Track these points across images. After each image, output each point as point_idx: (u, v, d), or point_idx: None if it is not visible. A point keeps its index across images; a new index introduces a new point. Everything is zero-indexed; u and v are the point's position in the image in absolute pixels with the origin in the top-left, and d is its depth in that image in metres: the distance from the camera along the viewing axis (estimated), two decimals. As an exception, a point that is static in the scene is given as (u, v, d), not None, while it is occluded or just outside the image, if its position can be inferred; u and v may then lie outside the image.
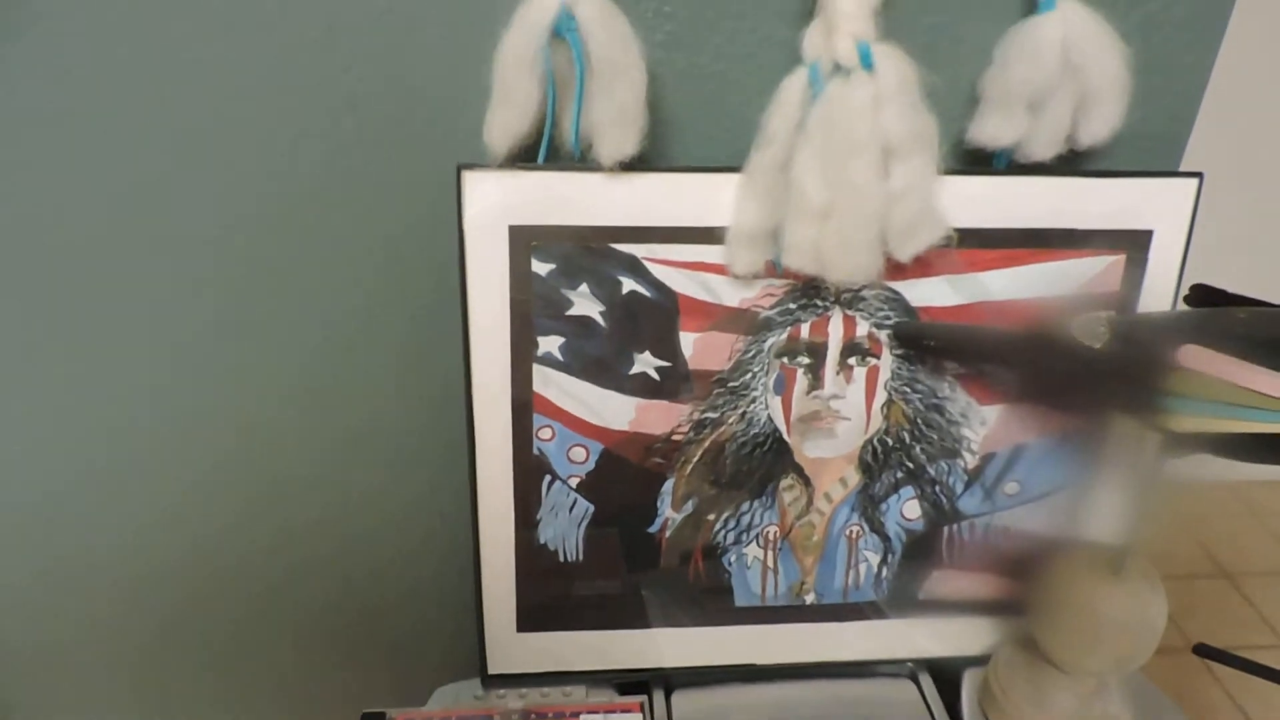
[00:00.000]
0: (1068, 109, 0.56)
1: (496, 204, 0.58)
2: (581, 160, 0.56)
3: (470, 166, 0.57)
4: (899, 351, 0.63)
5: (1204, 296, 0.56)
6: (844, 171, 0.53)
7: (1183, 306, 0.58)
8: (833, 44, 0.53)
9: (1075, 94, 0.56)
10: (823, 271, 0.56)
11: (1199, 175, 0.61)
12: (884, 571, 0.69)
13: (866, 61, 0.52)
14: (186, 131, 0.58)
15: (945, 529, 0.68)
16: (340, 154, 0.59)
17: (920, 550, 0.69)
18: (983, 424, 0.66)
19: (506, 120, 0.54)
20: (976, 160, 0.61)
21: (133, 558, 0.72)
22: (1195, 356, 0.49)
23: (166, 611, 0.74)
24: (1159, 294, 0.63)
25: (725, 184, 0.57)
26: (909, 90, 0.53)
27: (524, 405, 0.62)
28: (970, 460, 0.67)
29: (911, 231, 0.56)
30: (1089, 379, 0.55)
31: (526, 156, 0.57)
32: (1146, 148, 0.62)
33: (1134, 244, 0.62)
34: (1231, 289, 0.58)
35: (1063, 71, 0.55)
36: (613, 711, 0.64)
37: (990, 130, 0.57)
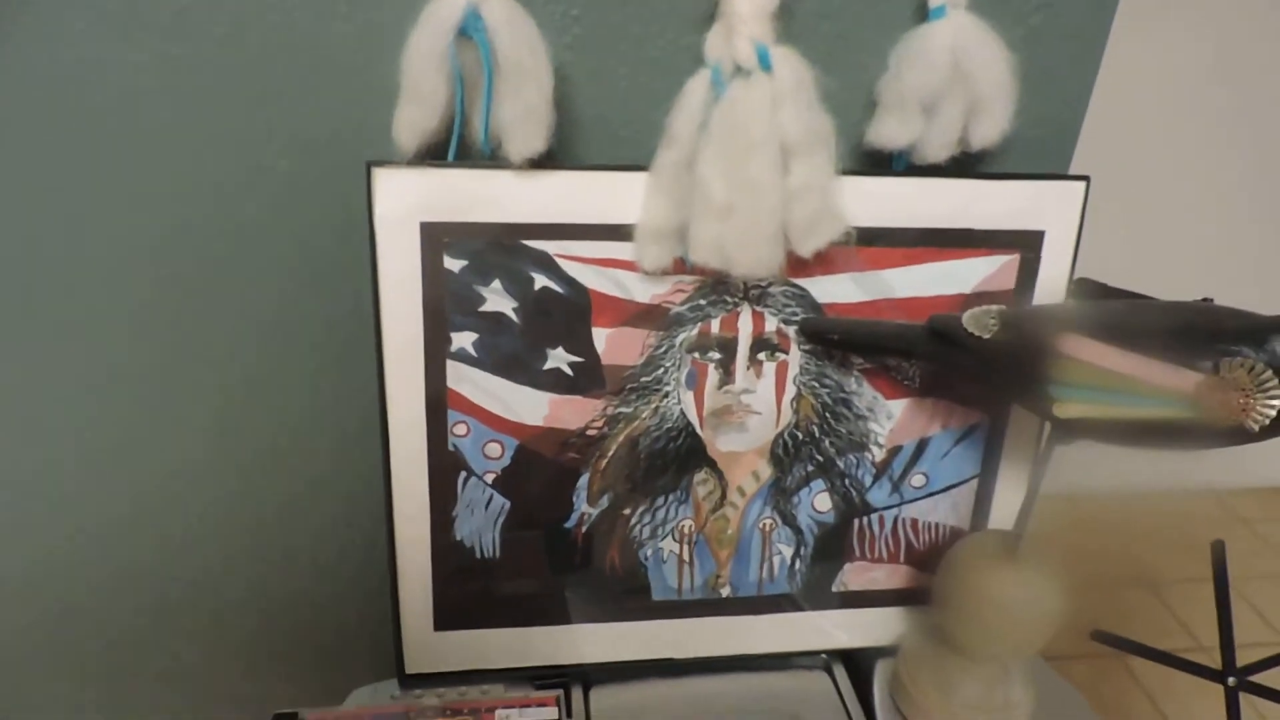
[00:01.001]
0: (959, 113, 0.59)
1: (408, 201, 0.58)
2: (492, 158, 0.57)
3: (380, 163, 0.57)
4: (806, 346, 0.65)
5: (1088, 290, 0.59)
6: (744, 169, 0.55)
7: (1070, 300, 0.61)
8: (732, 46, 0.54)
9: (965, 99, 0.59)
10: (727, 266, 0.57)
11: (1086, 178, 0.64)
12: (797, 564, 0.71)
13: (765, 63, 0.54)
14: (87, 134, 0.58)
15: (855, 521, 0.70)
16: (250, 153, 0.59)
17: (832, 542, 0.71)
18: (889, 418, 0.68)
19: (414, 118, 0.55)
20: (877, 163, 0.63)
21: (54, 575, 0.70)
22: (1076, 345, 0.51)
23: (76, 613, 0.73)
24: (1051, 290, 0.65)
25: (634, 182, 0.59)
26: (805, 90, 0.55)
27: (438, 401, 0.62)
28: (878, 453, 0.69)
29: (811, 228, 0.58)
30: (980, 369, 0.57)
31: (437, 154, 0.58)
32: (1037, 152, 0.65)
33: (1027, 244, 0.65)
34: (1115, 284, 0.61)
35: (953, 77, 0.58)
36: (529, 706, 0.64)
37: (886, 132, 0.60)
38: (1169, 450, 0.54)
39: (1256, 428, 0.49)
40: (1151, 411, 0.51)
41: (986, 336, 0.56)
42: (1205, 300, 0.55)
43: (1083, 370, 0.52)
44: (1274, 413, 0.48)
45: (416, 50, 0.54)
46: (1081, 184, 0.64)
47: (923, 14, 0.59)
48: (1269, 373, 0.48)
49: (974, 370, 0.58)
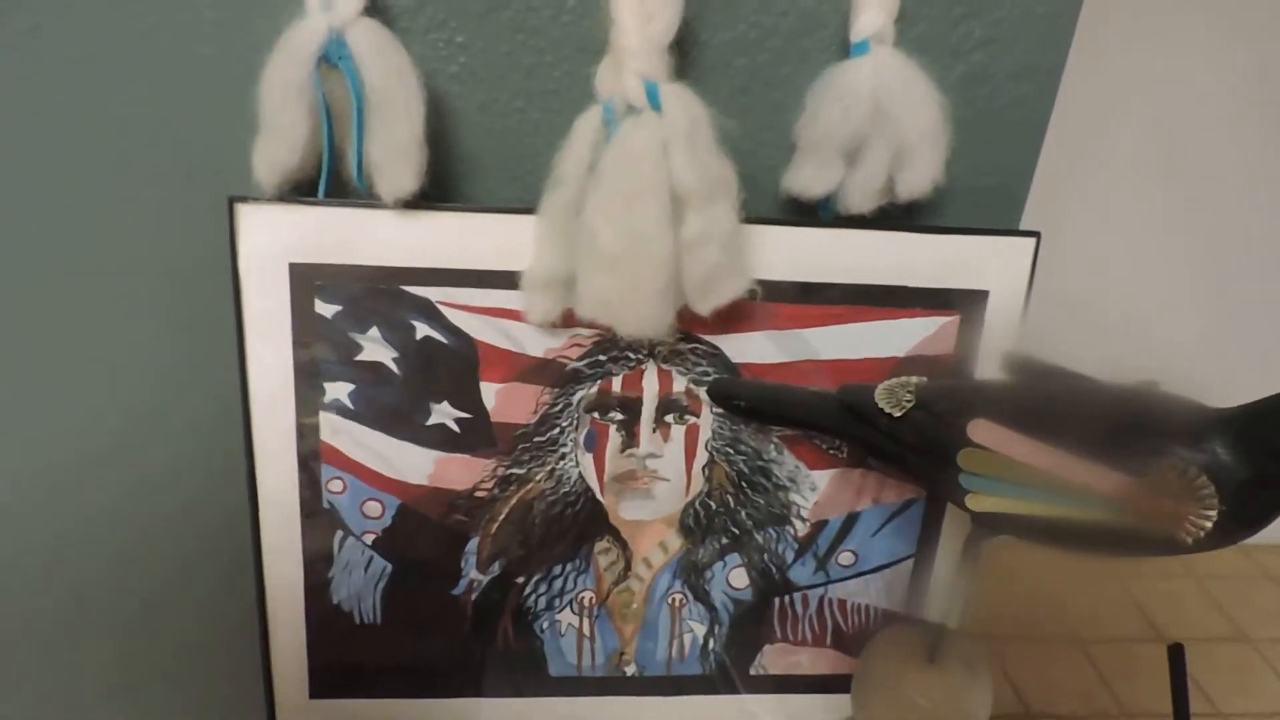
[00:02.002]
0: (884, 160, 0.53)
1: (275, 240, 0.54)
2: (369, 195, 0.52)
3: (243, 199, 0.53)
4: (718, 410, 0.59)
5: (1019, 366, 0.52)
6: (630, 217, 0.49)
7: (997, 377, 0.54)
8: (621, 82, 0.49)
9: (890, 144, 0.52)
10: (613, 323, 0.52)
11: (1036, 234, 0.58)
12: (711, 643, 0.65)
13: (654, 102, 0.49)
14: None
15: (776, 600, 0.64)
16: (105, 184, 0.54)
17: (750, 622, 0.64)
18: (813, 489, 0.62)
19: (273, 154, 0.50)
20: (803, 211, 0.57)
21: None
22: (989, 432, 0.45)
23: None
24: (996, 357, 0.59)
25: (522, 225, 0.54)
26: (700, 133, 0.49)
27: (311, 455, 0.58)
28: (801, 527, 0.62)
29: (709, 284, 0.52)
30: (892, 449, 0.51)
31: (310, 190, 0.53)
32: (983, 203, 0.59)
33: (968, 305, 0.59)
34: (1069, 350, 0.54)
35: (875, 120, 0.52)
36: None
37: (804, 179, 0.54)
38: (1098, 556, 0.47)
39: (1190, 541, 0.42)
40: (1073, 513, 0.44)
41: (898, 414, 0.50)
42: (1150, 383, 0.48)
43: (995, 462, 0.45)
44: (1210, 525, 0.41)
45: (274, 80, 0.49)
46: (1030, 240, 0.58)
47: (845, 50, 0.53)
48: (1203, 478, 0.41)
49: (885, 450, 0.51)
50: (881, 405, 0.50)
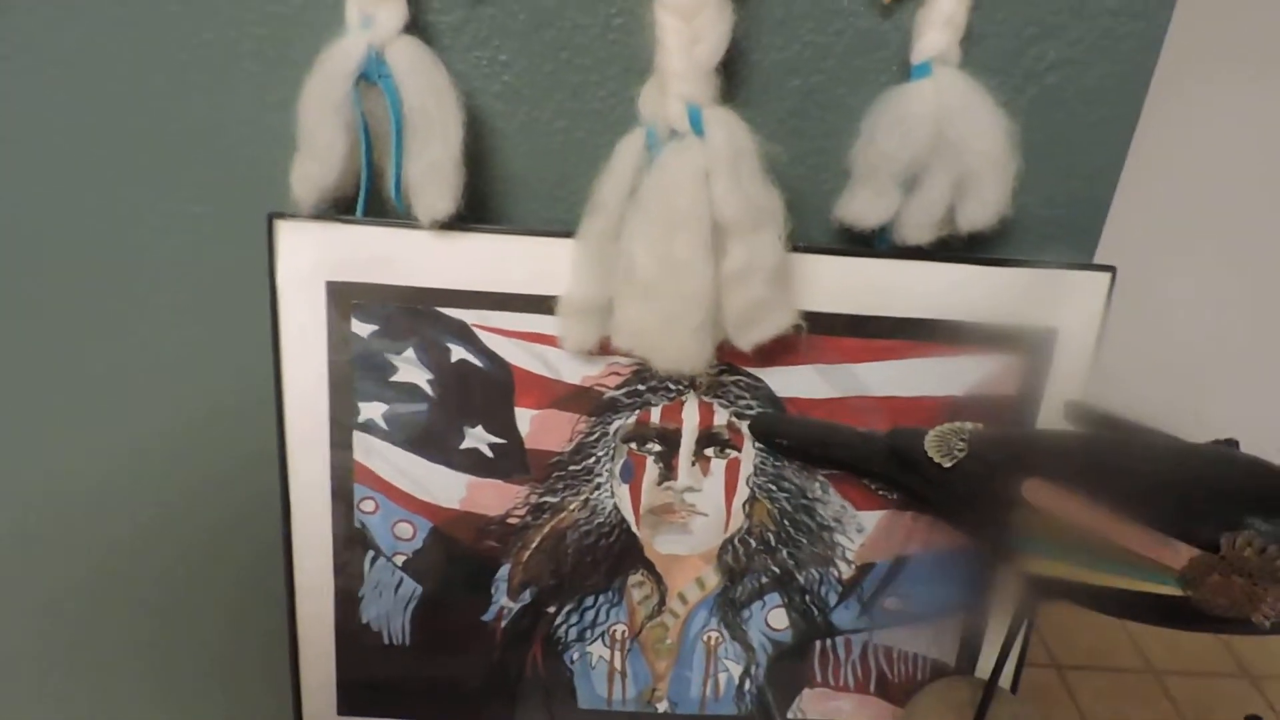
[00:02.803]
0: (945, 189, 0.50)
1: (313, 258, 0.53)
2: (406, 215, 0.51)
3: (283, 215, 0.52)
4: (761, 445, 0.56)
5: (1081, 415, 0.48)
6: (668, 246, 0.47)
7: (1058, 428, 0.50)
8: (664, 106, 0.47)
9: (952, 173, 0.49)
10: (648, 355, 0.50)
11: (1111, 269, 0.54)
12: (747, 684, 0.62)
13: (697, 126, 0.46)
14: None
15: (817, 643, 0.61)
16: (147, 198, 0.55)
17: (789, 664, 0.62)
18: (859, 531, 0.59)
19: (310, 171, 0.50)
20: (856, 239, 0.54)
21: None
22: (1040, 492, 0.42)
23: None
24: (1060, 405, 0.55)
25: (561, 249, 0.52)
26: (745, 160, 0.47)
27: (344, 474, 0.57)
28: (845, 569, 0.59)
29: (751, 318, 0.49)
30: (941, 501, 0.48)
31: (349, 208, 0.52)
32: (1053, 235, 0.55)
33: (1034, 343, 0.55)
34: (1140, 398, 0.50)
35: (936, 147, 0.48)
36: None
37: (858, 208, 0.51)
38: (1166, 628, 0.43)
39: (1268, 624, 0.38)
40: (1136, 585, 0.40)
41: (948, 464, 0.46)
42: (1227, 443, 0.44)
43: (1051, 525, 0.42)
44: (1289, 609, 0.37)
45: (312, 98, 0.49)
46: (1105, 275, 0.54)
47: (906, 71, 0.50)
48: (1285, 559, 0.37)
49: (934, 501, 0.48)
50: (931, 454, 0.47)
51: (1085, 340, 0.55)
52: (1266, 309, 0.61)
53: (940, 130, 0.48)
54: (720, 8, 0.46)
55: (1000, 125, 0.48)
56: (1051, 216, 0.54)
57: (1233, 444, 0.43)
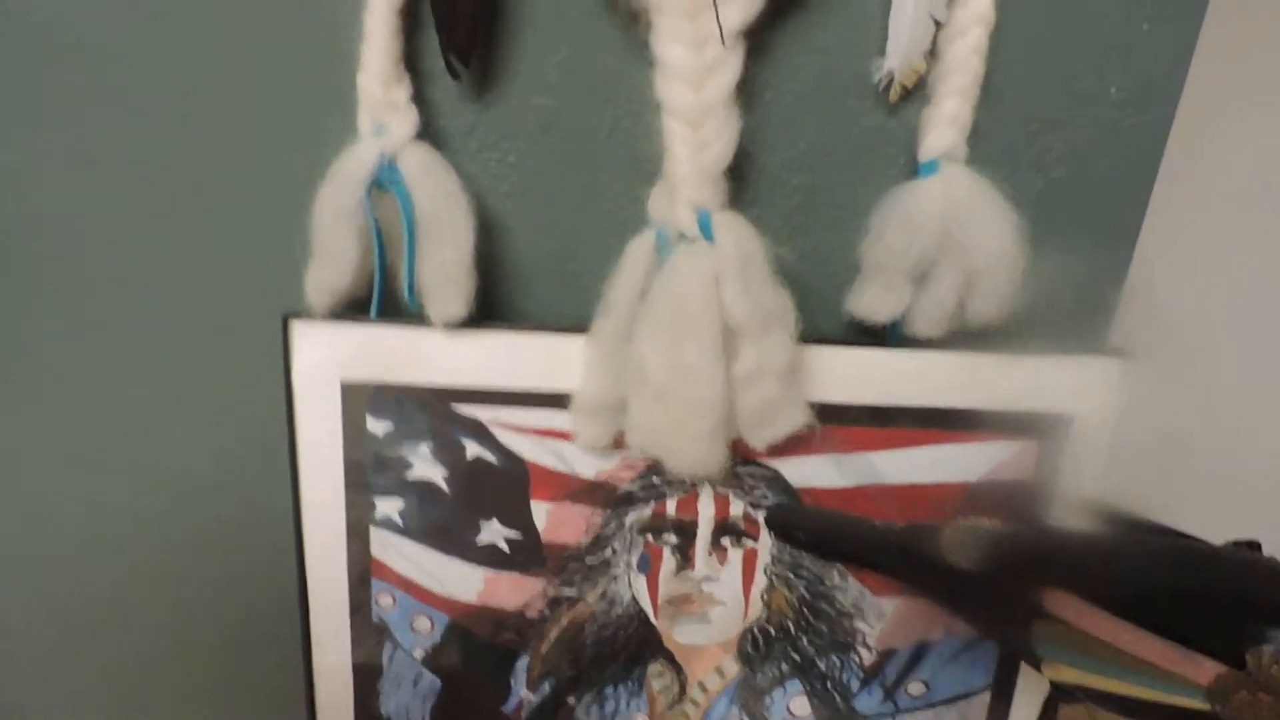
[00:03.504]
0: (954, 285, 0.50)
1: (328, 358, 0.53)
2: (419, 315, 0.52)
3: (299, 315, 0.53)
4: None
5: (1099, 514, 0.48)
6: (679, 351, 0.47)
7: (1077, 530, 0.50)
8: (673, 211, 0.47)
9: (961, 269, 0.49)
10: (662, 456, 0.50)
11: (1122, 354, 0.53)
12: (770, 772, 0.61)
13: (706, 231, 0.47)
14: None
15: (840, 730, 0.60)
16: (166, 298, 0.55)
17: (812, 751, 0.61)
18: (879, 617, 0.58)
19: (325, 277, 0.50)
20: (868, 330, 0.54)
21: None
22: (1060, 604, 0.41)
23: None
24: (1081, 488, 0.54)
25: (573, 344, 0.52)
26: (754, 264, 0.47)
27: (361, 570, 0.57)
28: (866, 656, 0.59)
29: (764, 418, 0.49)
30: (960, 603, 0.47)
31: (363, 308, 0.53)
32: (1065, 324, 0.54)
33: (1049, 429, 0.54)
34: (1160, 488, 0.49)
35: (944, 244, 0.49)
36: None
37: (869, 303, 0.51)
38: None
39: (1299, 742, 0.37)
40: (1161, 697, 0.40)
41: (967, 567, 0.46)
42: (1248, 545, 0.43)
43: (1074, 635, 0.41)
44: (1320, 727, 0.36)
45: (326, 204, 0.49)
46: (1117, 361, 0.53)
47: (913, 165, 0.50)
48: (1315, 674, 0.36)
49: (954, 603, 0.48)
50: (949, 555, 0.46)
51: (1100, 425, 0.54)
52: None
53: (948, 228, 0.48)
54: (727, 114, 0.46)
55: (1008, 222, 0.48)
56: (1062, 304, 0.54)
57: (1255, 546, 0.43)
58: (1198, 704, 0.39)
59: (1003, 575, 0.45)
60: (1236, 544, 0.43)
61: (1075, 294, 0.54)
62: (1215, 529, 0.45)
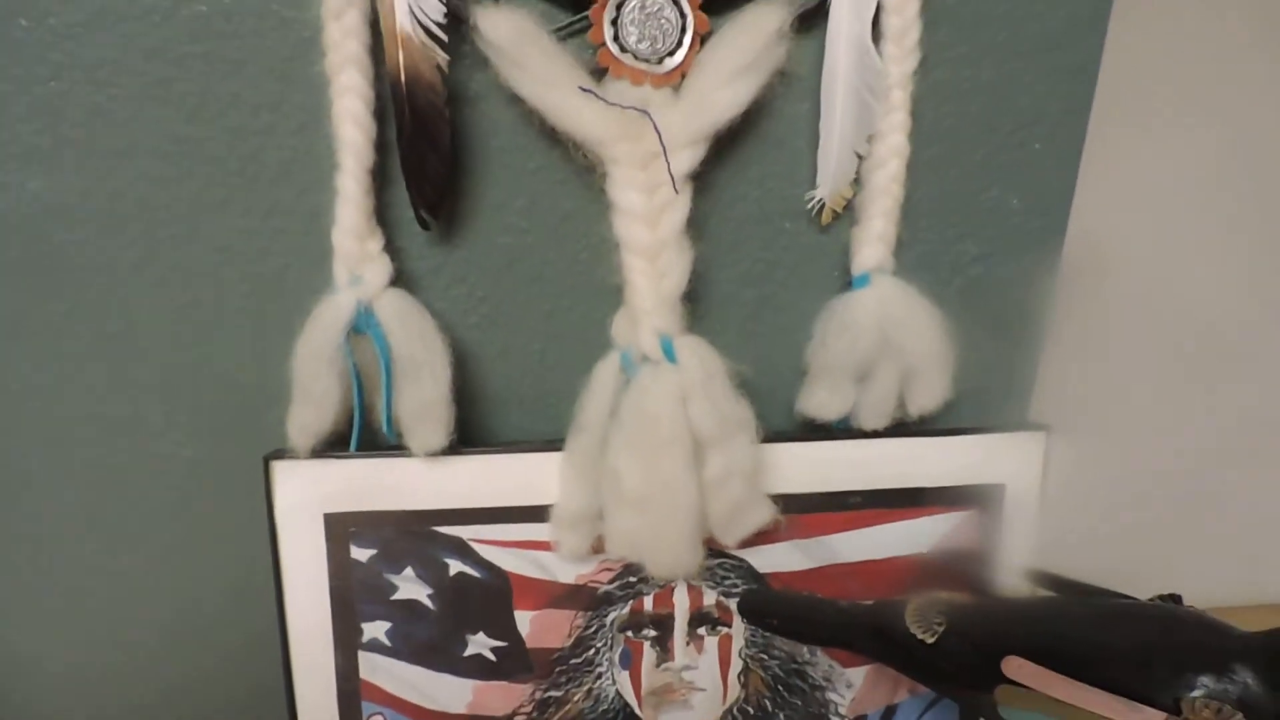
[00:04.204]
0: (893, 382, 0.55)
1: (309, 493, 0.55)
2: (397, 445, 0.54)
3: (279, 456, 0.54)
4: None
5: (1048, 582, 0.53)
6: (654, 465, 0.51)
7: (1025, 598, 0.55)
8: (637, 336, 0.51)
9: (898, 368, 0.54)
10: (643, 563, 0.53)
11: (1046, 428, 0.59)
12: (757, 845, 0.64)
13: (670, 355, 0.51)
14: None
15: (821, 797, 0.64)
16: (150, 442, 0.57)
17: (796, 821, 0.64)
18: (849, 686, 0.62)
19: (306, 420, 0.52)
20: (816, 424, 0.59)
21: None
22: (1019, 669, 0.46)
23: None
24: (1018, 548, 0.60)
25: (547, 461, 0.55)
26: (716, 381, 0.51)
27: (351, 694, 0.58)
28: (839, 725, 0.63)
29: (734, 518, 0.53)
30: (927, 674, 0.51)
31: (342, 442, 0.55)
32: (992, 402, 0.60)
33: (985, 499, 0.60)
34: (1085, 550, 0.55)
35: (882, 347, 0.54)
36: None
37: (817, 403, 0.56)
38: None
39: (1238, 780, 0.42)
40: (1113, 750, 0.45)
41: (930, 640, 0.50)
42: (1169, 599, 0.49)
43: (1033, 698, 0.46)
44: (1250, 764, 0.42)
45: (306, 352, 0.52)
46: (1040, 434, 0.59)
47: (848, 278, 0.55)
48: (1239, 716, 0.42)
49: (919, 673, 0.52)
50: (913, 630, 0.51)
51: (1030, 492, 0.60)
52: (1198, 456, 0.66)
53: (884, 333, 0.53)
54: (679, 246, 0.51)
55: (936, 324, 0.54)
56: (988, 386, 0.60)
57: (1176, 599, 0.49)
58: (1145, 752, 0.44)
59: (964, 646, 0.49)
60: (1162, 598, 0.49)
61: (997, 376, 0.60)
62: (1138, 585, 0.51)
